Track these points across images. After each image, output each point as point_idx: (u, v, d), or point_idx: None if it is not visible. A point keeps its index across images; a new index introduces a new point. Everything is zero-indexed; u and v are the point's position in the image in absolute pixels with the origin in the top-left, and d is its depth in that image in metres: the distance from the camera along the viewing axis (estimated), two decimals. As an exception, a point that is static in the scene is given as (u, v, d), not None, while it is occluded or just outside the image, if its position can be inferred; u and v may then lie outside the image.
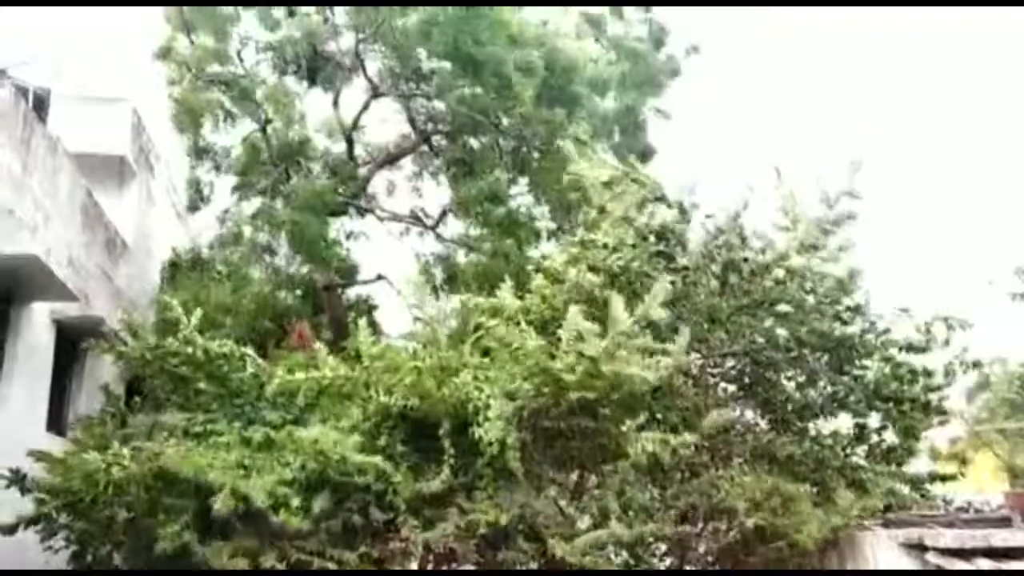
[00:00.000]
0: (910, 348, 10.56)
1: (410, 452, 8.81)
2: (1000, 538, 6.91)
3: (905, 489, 10.75)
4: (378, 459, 8.34)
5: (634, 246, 10.06)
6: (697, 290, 10.49)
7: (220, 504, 7.76)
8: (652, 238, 10.33)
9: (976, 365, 10.89)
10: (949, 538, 7.08)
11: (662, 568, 9.70)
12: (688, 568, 9.92)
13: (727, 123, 47.19)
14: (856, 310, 10.59)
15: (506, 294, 9.85)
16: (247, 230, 15.69)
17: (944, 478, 11.30)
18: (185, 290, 13.87)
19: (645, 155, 17.17)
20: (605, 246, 10.05)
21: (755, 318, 10.70)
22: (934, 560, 7.16)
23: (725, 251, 10.33)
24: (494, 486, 8.48)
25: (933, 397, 10.89)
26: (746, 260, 10.33)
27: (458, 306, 15.33)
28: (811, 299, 10.50)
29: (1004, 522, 7.39)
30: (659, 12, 17.64)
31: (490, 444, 8.08)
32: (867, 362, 10.85)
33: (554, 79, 14.79)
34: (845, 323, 10.56)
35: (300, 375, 9.14)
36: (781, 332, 10.78)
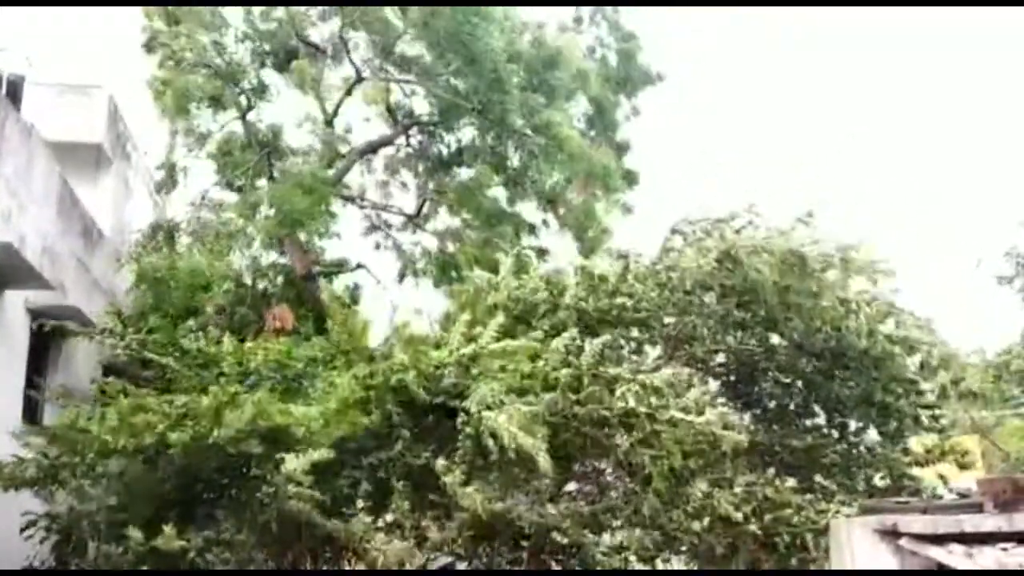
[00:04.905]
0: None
1: (405, 430, 8.82)
2: (971, 524, 6.98)
3: (887, 480, 10.90)
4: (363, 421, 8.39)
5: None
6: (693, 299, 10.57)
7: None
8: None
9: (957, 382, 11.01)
10: (921, 524, 7.14)
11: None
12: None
13: (726, 122, 47.44)
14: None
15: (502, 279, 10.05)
16: (226, 215, 15.59)
17: (922, 464, 11.44)
18: (154, 257, 13.74)
19: (620, 149, 17.33)
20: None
21: (747, 327, 10.80)
22: (907, 546, 7.21)
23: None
24: (482, 472, 8.51)
25: (924, 413, 11.03)
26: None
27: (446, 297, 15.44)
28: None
29: (976, 508, 7.45)
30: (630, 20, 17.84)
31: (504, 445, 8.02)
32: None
33: (539, 68, 14.89)
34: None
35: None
36: (774, 339, 10.89)
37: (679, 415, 8.27)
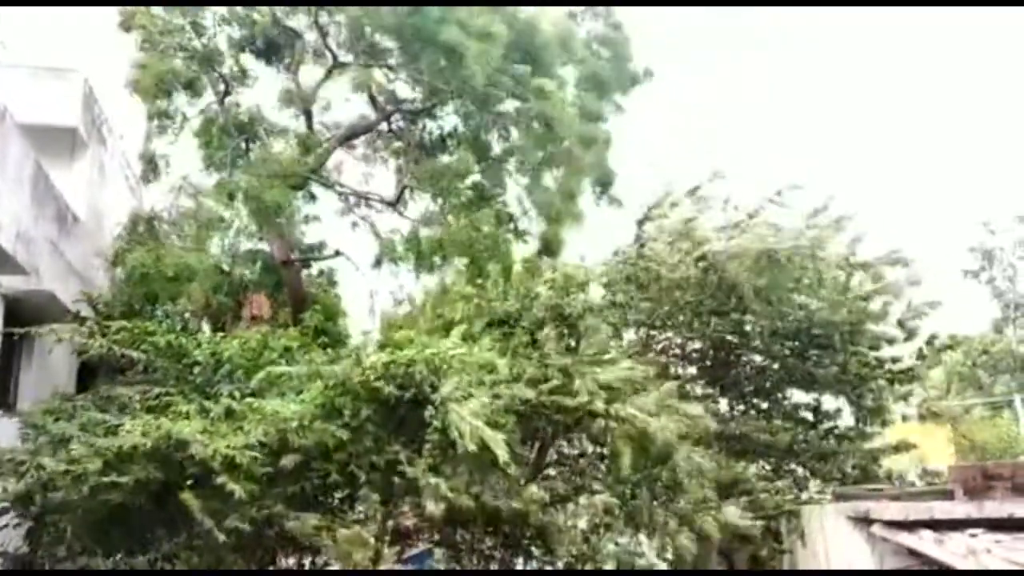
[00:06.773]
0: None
1: (373, 426, 8.80)
2: (942, 511, 7.08)
3: (860, 465, 11.02)
4: (334, 427, 8.34)
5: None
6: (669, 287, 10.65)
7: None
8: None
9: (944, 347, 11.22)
10: (893, 510, 7.25)
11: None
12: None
13: (722, 120, 47.57)
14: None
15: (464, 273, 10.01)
16: (204, 201, 15.43)
17: (897, 449, 11.58)
18: (141, 253, 13.63)
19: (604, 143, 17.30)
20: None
21: (722, 315, 10.89)
22: (879, 532, 7.32)
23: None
24: (449, 462, 8.50)
25: (900, 369, 11.19)
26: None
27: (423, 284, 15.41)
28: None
29: (947, 495, 7.56)
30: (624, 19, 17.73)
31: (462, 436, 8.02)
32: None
33: (520, 40, 14.83)
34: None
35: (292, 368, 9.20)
36: (749, 322, 10.99)
37: (631, 412, 8.29)
